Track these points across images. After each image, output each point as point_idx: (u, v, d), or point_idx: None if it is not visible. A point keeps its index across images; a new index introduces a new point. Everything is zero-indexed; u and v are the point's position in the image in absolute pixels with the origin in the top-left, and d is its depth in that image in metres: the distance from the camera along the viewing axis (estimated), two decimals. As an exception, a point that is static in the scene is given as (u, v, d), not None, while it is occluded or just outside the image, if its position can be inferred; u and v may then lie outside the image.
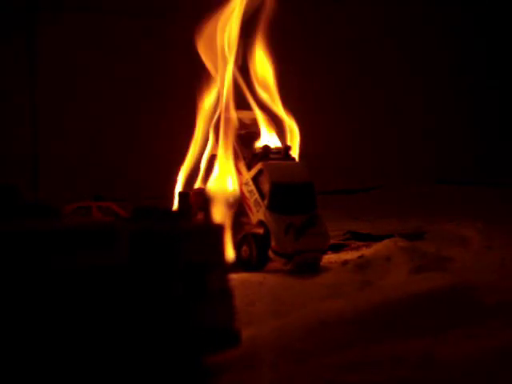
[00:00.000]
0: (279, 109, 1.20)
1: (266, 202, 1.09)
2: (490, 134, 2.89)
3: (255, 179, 1.11)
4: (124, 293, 0.51)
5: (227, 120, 1.16)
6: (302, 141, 1.21)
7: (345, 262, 1.10)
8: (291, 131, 1.20)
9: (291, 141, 1.19)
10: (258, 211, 1.10)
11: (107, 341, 0.50)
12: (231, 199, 1.13)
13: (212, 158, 1.17)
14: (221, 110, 1.17)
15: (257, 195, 1.10)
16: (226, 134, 1.14)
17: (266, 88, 1.20)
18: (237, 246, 1.10)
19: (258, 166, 1.11)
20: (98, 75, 2.34)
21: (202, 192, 1.15)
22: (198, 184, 1.19)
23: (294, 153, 1.19)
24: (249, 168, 1.13)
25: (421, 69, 2.82)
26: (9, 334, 0.46)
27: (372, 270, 1.02)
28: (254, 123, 1.18)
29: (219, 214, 1.11)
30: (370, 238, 1.34)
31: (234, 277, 0.98)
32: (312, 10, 2.60)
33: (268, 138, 1.17)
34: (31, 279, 0.47)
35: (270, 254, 1.07)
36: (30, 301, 0.47)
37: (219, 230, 0.60)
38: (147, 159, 2.36)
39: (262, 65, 1.20)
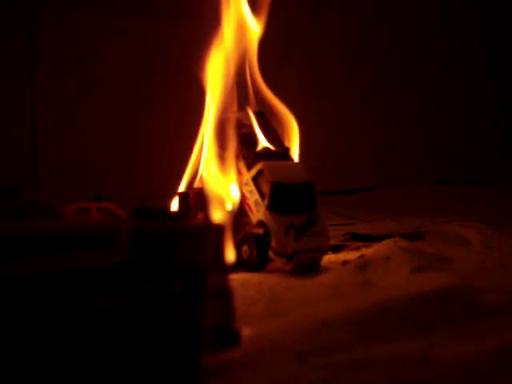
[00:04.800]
0: (278, 104, 1.20)
1: (266, 202, 1.09)
2: (491, 133, 2.89)
3: (255, 179, 1.12)
4: (124, 293, 0.51)
5: (227, 120, 1.16)
6: (301, 139, 1.21)
7: (345, 262, 1.10)
8: (290, 128, 1.20)
9: (290, 138, 1.19)
10: (258, 211, 1.10)
11: (106, 340, 0.50)
12: (230, 200, 1.13)
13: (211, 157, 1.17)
14: (221, 110, 1.17)
15: (257, 195, 1.10)
16: (220, 133, 1.14)
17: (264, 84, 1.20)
18: (237, 246, 1.10)
19: (258, 166, 1.11)
20: (98, 75, 2.33)
21: (201, 192, 1.15)
22: (197, 184, 1.19)
23: (294, 151, 1.19)
24: (249, 168, 1.13)
25: (420, 70, 2.82)
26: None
27: (372, 270, 1.02)
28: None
29: (219, 214, 1.11)
30: (370, 239, 1.34)
31: (234, 277, 0.98)
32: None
33: (268, 138, 1.17)
34: (31, 280, 0.47)
35: (271, 254, 1.07)
36: (30, 302, 0.47)
37: (219, 230, 0.60)
38: (147, 159, 2.36)
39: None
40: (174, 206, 1.19)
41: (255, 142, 1.17)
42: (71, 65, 2.31)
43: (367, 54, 2.74)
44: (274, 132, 1.19)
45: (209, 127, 1.17)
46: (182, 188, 1.20)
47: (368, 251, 1.17)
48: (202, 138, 1.19)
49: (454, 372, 0.58)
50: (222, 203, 1.13)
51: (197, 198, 1.15)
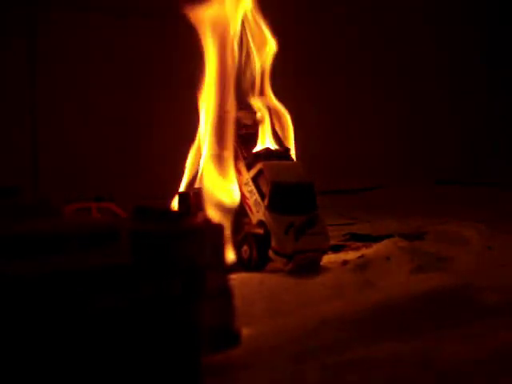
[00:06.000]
0: (271, 99, 1.20)
1: (265, 202, 1.09)
2: (490, 134, 2.89)
3: (255, 179, 1.12)
4: (123, 293, 0.51)
5: (227, 120, 1.16)
6: (301, 139, 1.21)
7: (345, 262, 1.10)
8: (284, 122, 1.20)
9: (284, 133, 1.19)
10: (257, 211, 1.10)
11: (105, 340, 0.50)
12: (230, 200, 1.13)
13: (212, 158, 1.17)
14: (220, 110, 1.16)
15: (257, 195, 1.10)
16: (220, 133, 1.14)
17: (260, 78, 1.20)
18: (237, 246, 1.10)
19: (258, 166, 1.11)
20: (98, 75, 2.34)
21: (201, 192, 1.15)
22: (197, 184, 1.18)
23: (290, 146, 1.19)
24: (249, 168, 1.13)
25: (420, 70, 2.82)
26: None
27: (372, 270, 1.02)
28: (254, 123, 1.18)
29: (219, 214, 1.11)
30: (370, 239, 1.34)
31: (234, 277, 0.98)
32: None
33: (268, 138, 1.17)
34: (31, 281, 0.47)
35: (271, 254, 1.07)
36: (30, 303, 0.47)
37: (219, 230, 0.60)
38: (147, 159, 2.36)
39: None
40: (175, 206, 1.19)
41: (255, 142, 1.17)
42: (71, 65, 2.31)
43: (367, 54, 2.74)
44: (274, 132, 1.19)
45: (208, 127, 1.17)
46: (183, 188, 1.20)
47: (368, 251, 1.17)
48: (201, 138, 1.19)
49: (453, 372, 0.58)
50: (221, 203, 1.13)
51: (197, 198, 1.15)
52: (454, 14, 2.85)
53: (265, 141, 1.17)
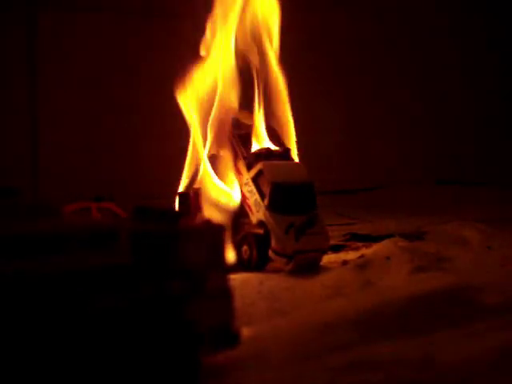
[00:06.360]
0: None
1: (265, 202, 1.09)
2: (491, 134, 2.89)
3: (255, 179, 1.11)
4: (123, 293, 0.51)
5: (227, 120, 1.16)
6: (302, 139, 1.21)
7: (345, 262, 1.10)
8: (286, 124, 1.19)
9: (288, 137, 1.19)
10: (257, 211, 1.10)
11: (105, 340, 0.50)
12: (230, 200, 1.13)
13: (211, 158, 1.17)
14: (219, 110, 1.16)
15: (257, 195, 1.10)
16: (220, 133, 1.14)
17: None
18: (237, 246, 1.10)
19: (258, 166, 1.11)
20: (98, 75, 2.33)
21: (201, 192, 1.15)
22: (197, 184, 1.18)
23: (293, 150, 1.19)
24: (249, 168, 1.13)
25: (420, 71, 2.82)
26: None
27: (372, 270, 1.02)
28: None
29: (219, 214, 1.11)
30: (370, 239, 1.34)
31: (234, 277, 0.98)
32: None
33: (267, 139, 1.17)
34: (31, 280, 0.47)
35: (271, 254, 1.07)
36: (30, 302, 0.47)
37: (219, 230, 0.60)
38: (147, 159, 2.36)
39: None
40: (175, 206, 1.19)
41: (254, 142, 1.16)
42: (71, 65, 2.31)
43: (368, 55, 2.74)
44: (274, 132, 1.19)
45: (208, 127, 1.17)
46: (182, 188, 1.20)
47: (368, 251, 1.17)
48: (198, 138, 1.19)
49: (454, 372, 0.58)
50: (221, 203, 1.13)
51: (197, 198, 1.15)
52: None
53: (262, 141, 1.16)
